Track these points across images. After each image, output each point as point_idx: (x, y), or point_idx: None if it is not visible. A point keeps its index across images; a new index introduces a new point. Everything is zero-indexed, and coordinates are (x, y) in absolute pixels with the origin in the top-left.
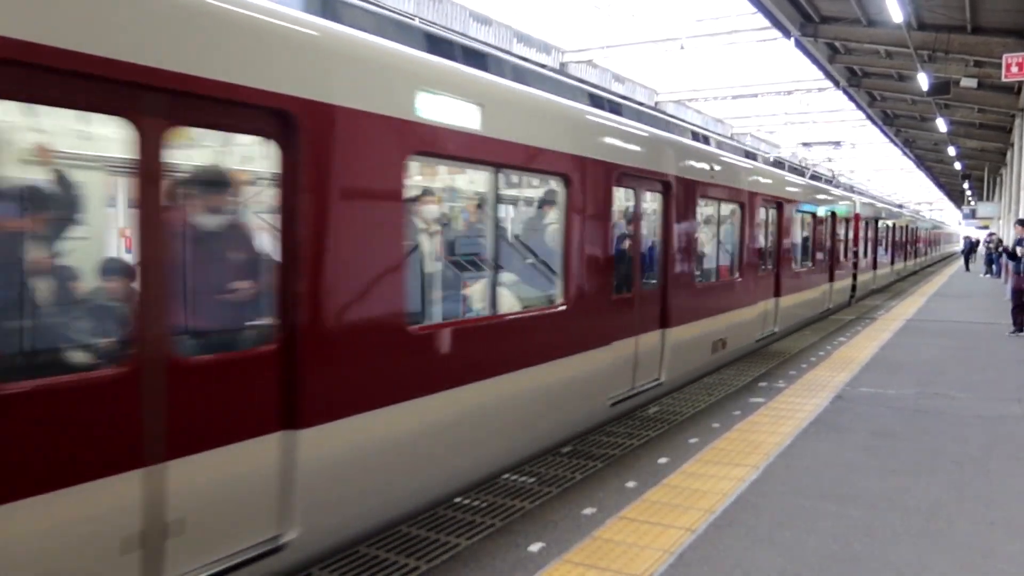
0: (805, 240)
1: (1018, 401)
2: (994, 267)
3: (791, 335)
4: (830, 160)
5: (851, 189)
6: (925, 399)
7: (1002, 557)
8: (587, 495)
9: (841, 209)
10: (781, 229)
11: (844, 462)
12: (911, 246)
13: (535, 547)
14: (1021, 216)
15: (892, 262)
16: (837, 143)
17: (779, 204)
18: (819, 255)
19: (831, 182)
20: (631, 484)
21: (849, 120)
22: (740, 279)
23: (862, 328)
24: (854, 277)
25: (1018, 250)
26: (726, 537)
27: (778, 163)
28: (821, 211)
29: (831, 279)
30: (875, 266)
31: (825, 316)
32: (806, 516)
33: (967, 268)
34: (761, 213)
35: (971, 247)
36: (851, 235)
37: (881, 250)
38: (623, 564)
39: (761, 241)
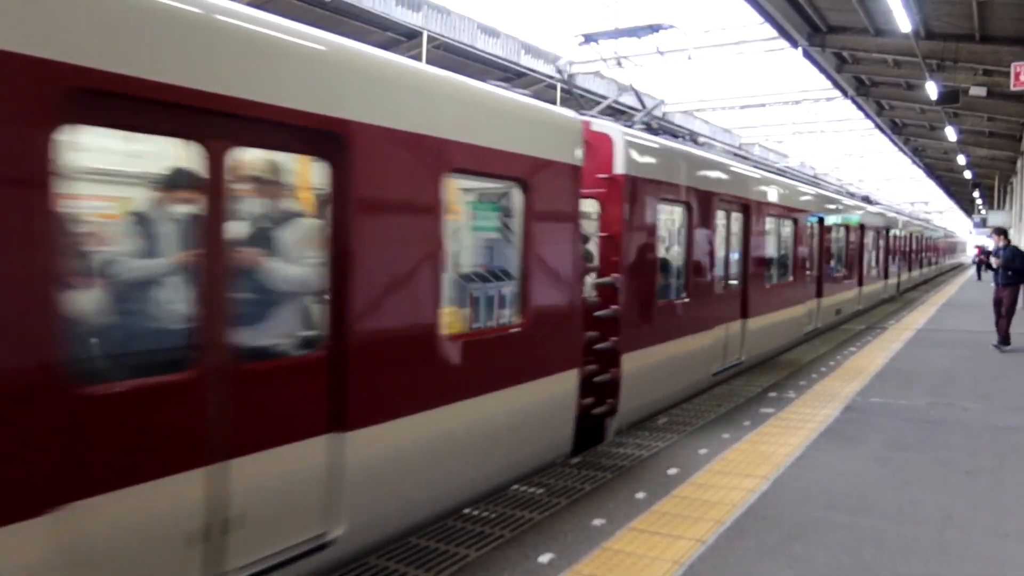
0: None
1: None
2: None
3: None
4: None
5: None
6: (936, 409)
7: (1016, 568)
8: (596, 506)
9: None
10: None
11: (855, 473)
12: (881, 262)
13: (545, 558)
14: (999, 224)
15: (841, 285)
16: (653, 28)
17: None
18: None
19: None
20: (640, 495)
21: (858, 129)
22: None
23: (872, 338)
24: (745, 329)
25: (993, 261)
26: (736, 548)
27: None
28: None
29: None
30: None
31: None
32: (817, 527)
33: (979, 277)
34: None
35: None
36: (684, 235)
37: (809, 269)
38: (633, 575)
39: None
